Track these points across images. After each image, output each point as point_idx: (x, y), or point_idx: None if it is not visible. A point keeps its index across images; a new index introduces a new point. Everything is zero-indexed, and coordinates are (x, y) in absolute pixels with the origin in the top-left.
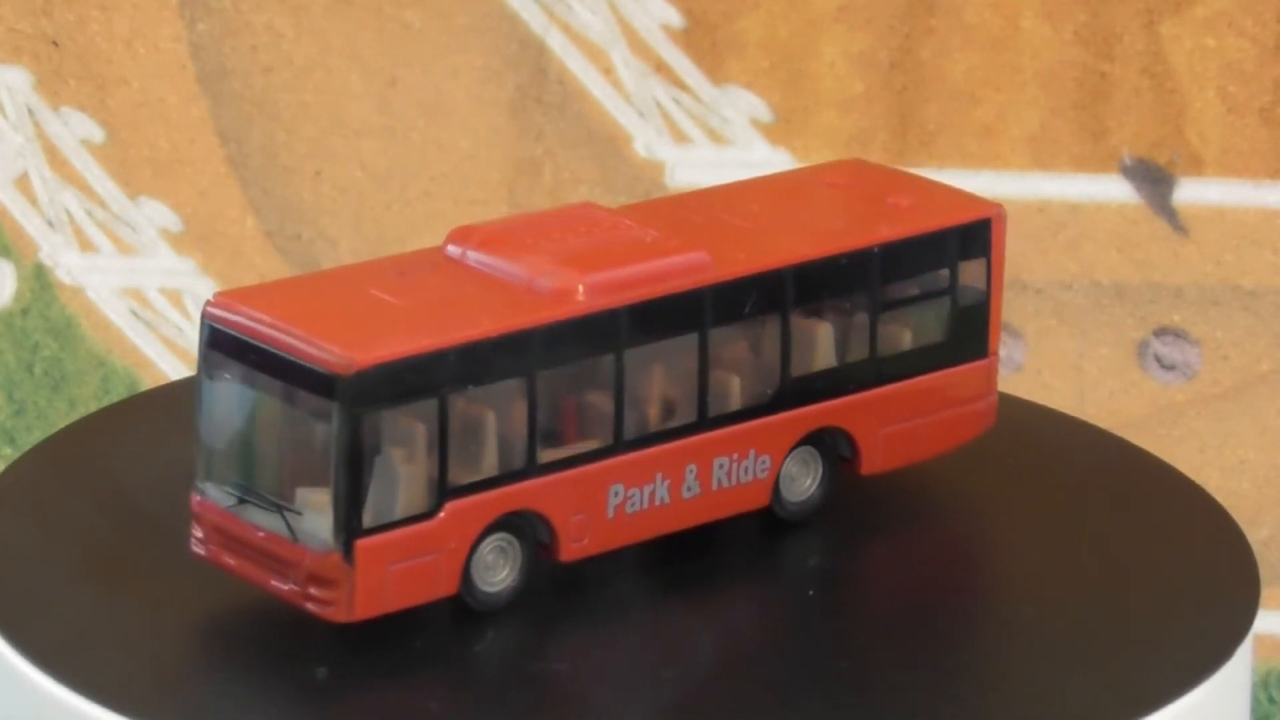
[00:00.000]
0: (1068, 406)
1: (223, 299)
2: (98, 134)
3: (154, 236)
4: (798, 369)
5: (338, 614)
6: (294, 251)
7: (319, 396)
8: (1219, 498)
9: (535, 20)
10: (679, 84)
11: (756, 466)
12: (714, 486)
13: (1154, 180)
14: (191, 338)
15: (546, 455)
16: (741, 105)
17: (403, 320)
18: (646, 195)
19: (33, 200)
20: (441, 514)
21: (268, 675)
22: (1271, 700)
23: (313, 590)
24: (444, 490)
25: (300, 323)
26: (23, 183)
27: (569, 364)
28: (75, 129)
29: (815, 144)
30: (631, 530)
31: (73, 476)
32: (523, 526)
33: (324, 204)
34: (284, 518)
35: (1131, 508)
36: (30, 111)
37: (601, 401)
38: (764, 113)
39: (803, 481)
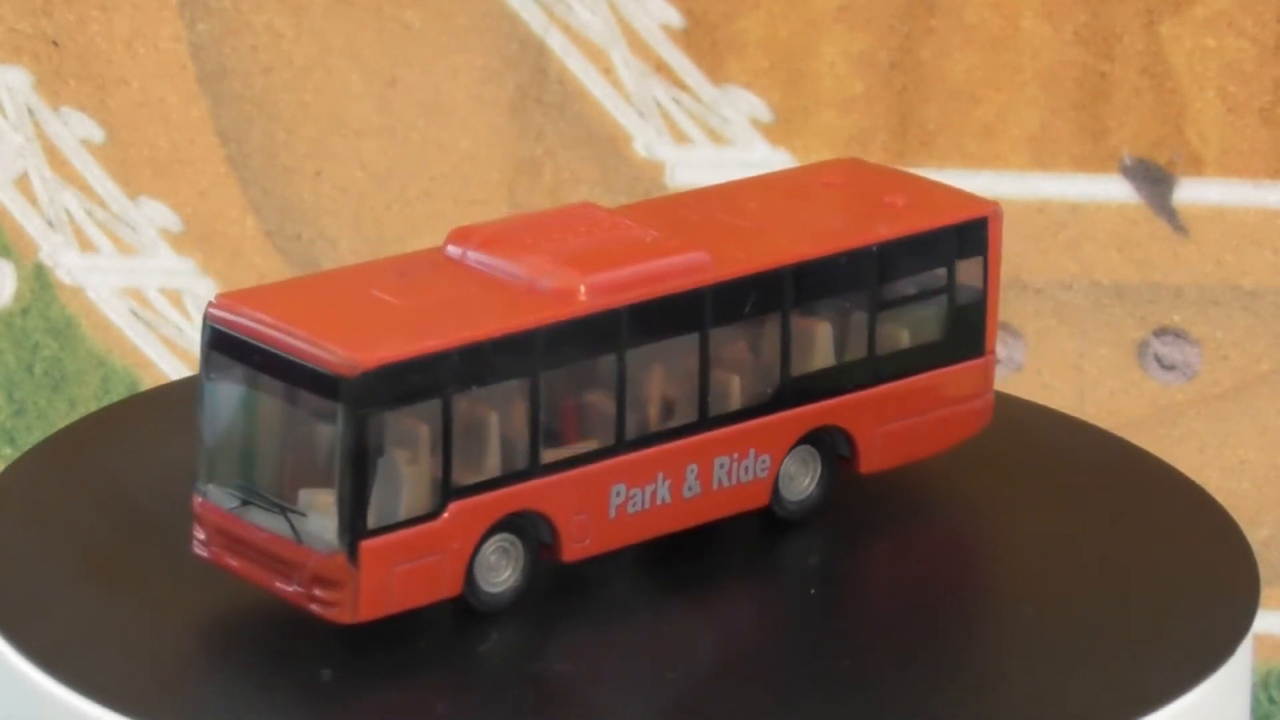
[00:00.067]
0: (1068, 406)
1: (225, 300)
2: (98, 134)
3: (154, 236)
4: (797, 368)
5: (342, 615)
6: (294, 251)
7: (323, 398)
8: (1219, 498)
9: (535, 20)
10: (679, 84)
11: (756, 466)
12: (714, 486)
13: (1154, 180)
14: (191, 338)
15: (549, 455)
16: (741, 105)
17: (405, 321)
18: (646, 195)
19: (33, 200)
20: (445, 514)
21: (268, 675)
22: (1271, 700)
23: (317, 591)
24: (447, 491)
25: (303, 324)
26: (23, 183)
27: (571, 364)
28: (75, 129)
29: (815, 144)
30: (633, 530)
31: (73, 476)
32: (525, 527)
33: (324, 204)
34: (288, 519)
35: (1131, 508)
36: (30, 111)
37: (603, 401)
38: (764, 113)
39: (802, 480)
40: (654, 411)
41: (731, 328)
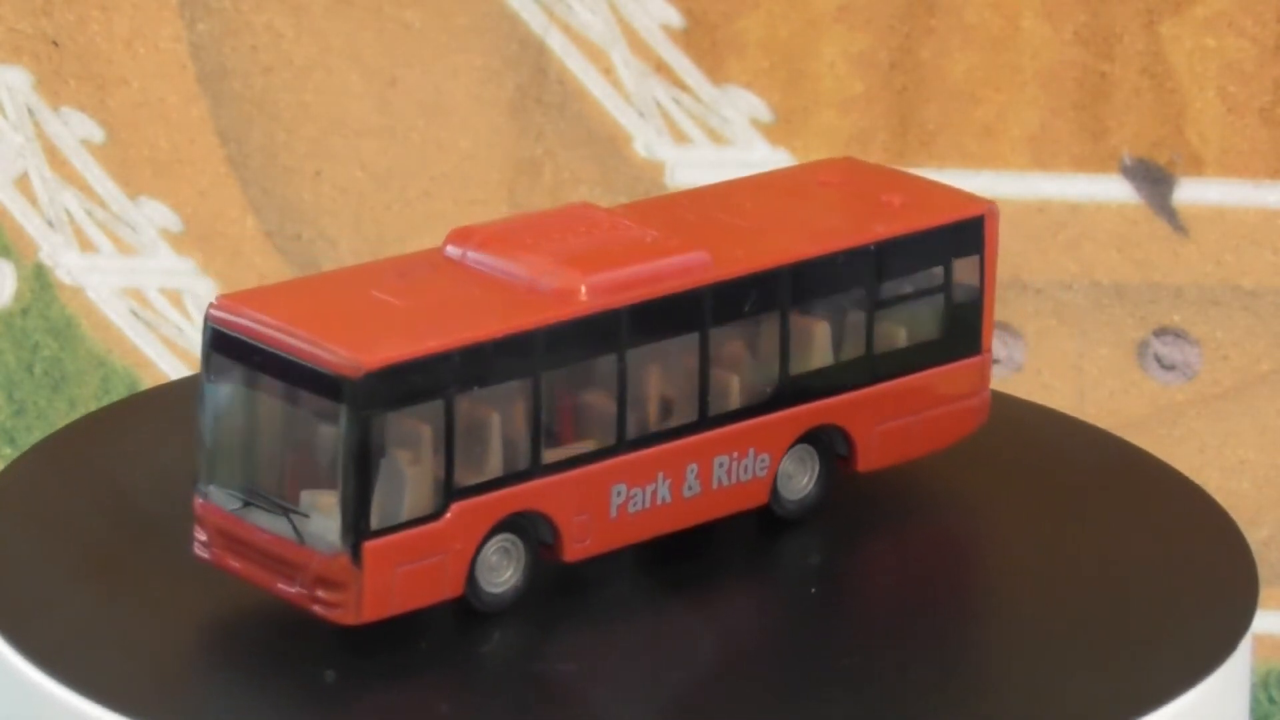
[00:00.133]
0: (1068, 406)
1: (226, 301)
2: (98, 134)
3: (154, 236)
4: (796, 367)
5: (345, 616)
6: (294, 251)
7: (326, 399)
8: (1219, 498)
9: (535, 20)
10: (679, 84)
11: (756, 465)
12: (714, 485)
13: (1154, 180)
14: (191, 338)
15: (550, 455)
16: (741, 105)
17: (407, 322)
18: (646, 195)
19: (33, 200)
20: (448, 515)
21: (268, 675)
22: (1271, 700)
23: (320, 593)
24: (450, 491)
25: (305, 325)
26: (23, 183)
27: (572, 364)
28: (75, 129)
29: (815, 144)
30: (633, 530)
31: (72, 476)
32: (526, 527)
33: (324, 204)
34: (290, 520)
35: (1131, 508)
36: (30, 111)
37: (604, 401)
38: (764, 113)
39: (800, 480)
40: (654, 411)
41: (731, 327)
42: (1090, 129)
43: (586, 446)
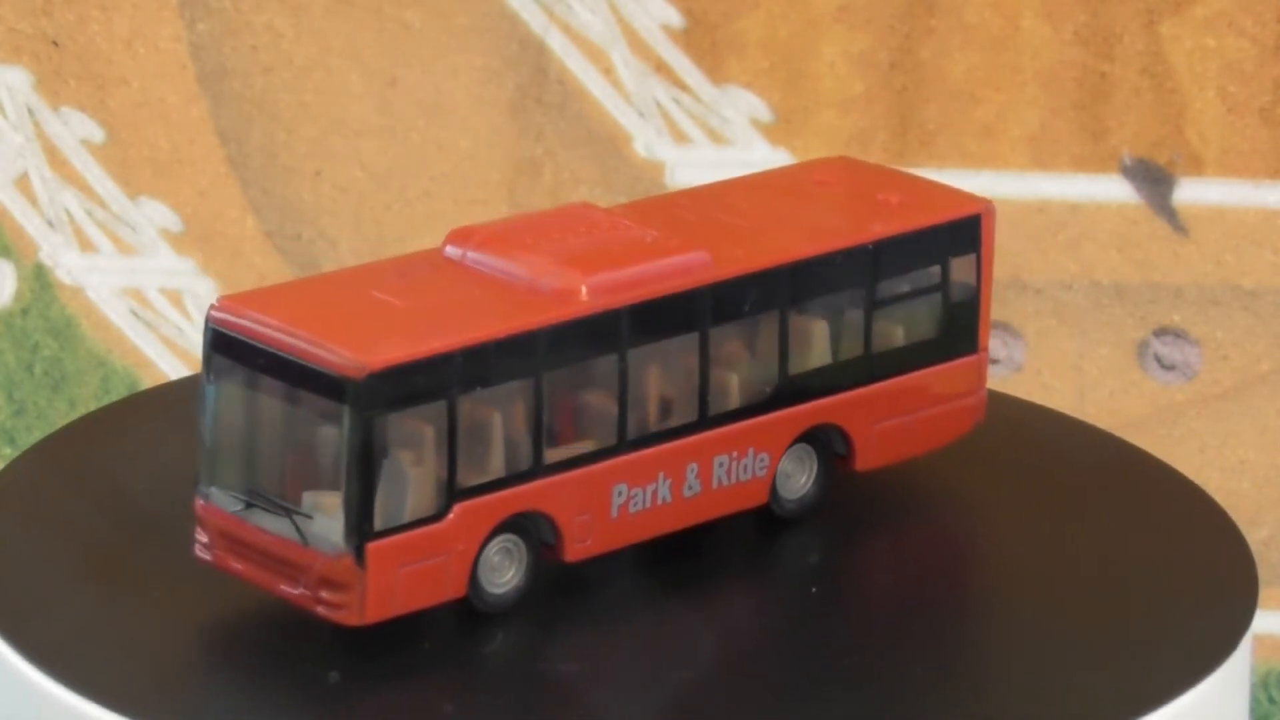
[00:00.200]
0: (1068, 406)
1: (227, 303)
2: (98, 134)
3: (154, 236)
4: (795, 367)
5: (349, 617)
6: (294, 251)
7: (329, 400)
8: (1219, 498)
9: (535, 20)
10: (679, 84)
11: (755, 464)
12: (714, 485)
13: (1154, 180)
14: (191, 338)
15: (552, 456)
16: (741, 105)
17: (409, 323)
18: (646, 195)
19: (33, 200)
20: (450, 516)
21: (269, 676)
22: (1271, 700)
23: (323, 594)
24: (453, 492)
25: (307, 326)
26: (23, 183)
27: (573, 364)
28: (75, 129)
29: (815, 144)
30: (634, 530)
31: (72, 476)
32: (528, 527)
33: (324, 204)
34: (293, 521)
35: (1131, 508)
36: (30, 111)
37: (605, 401)
38: (764, 113)
39: (798, 479)
40: (655, 411)
41: (731, 327)
42: (1090, 129)
43: (588, 446)
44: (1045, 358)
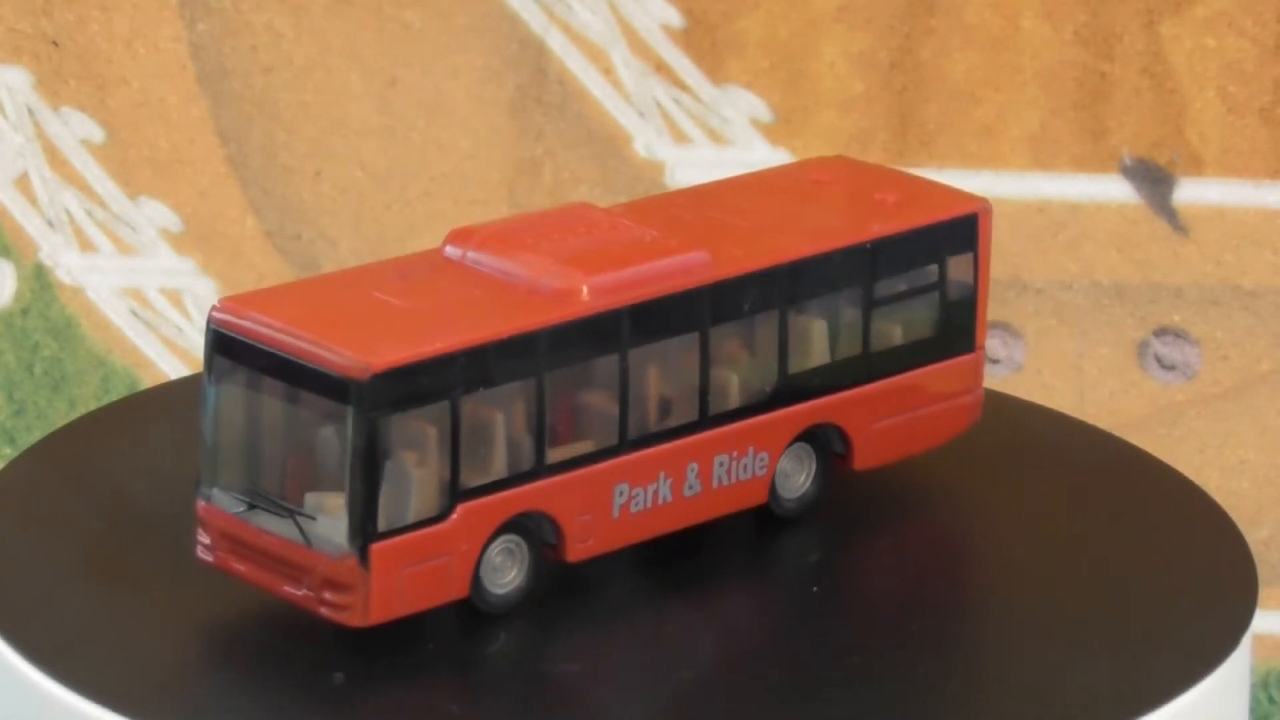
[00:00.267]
0: (1068, 406)
1: (228, 304)
2: (98, 134)
3: (154, 236)
4: (794, 366)
5: (353, 618)
6: (294, 251)
7: (333, 401)
8: (1219, 498)
9: (535, 20)
10: (679, 84)
11: (755, 464)
12: (714, 484)
13: (1154, 180)
14: (191, 338)
15: (554, 456)
16: (741, 105)
17: (411, 323)
18: (646, 195)
19: (33, 200)
20: (454, 516)
21: (269, 676)
22: (1271, 700)
23: (327, 595)
24: (456, 493)
25: (310, 327)
26: (23, 183)
27: (575, 364)
28: (75, 129)
29: (815, 144)
30: (635, 529)
31: (72, 476)
32: (530, 527)
33: (324, 204)
34: (296, 523)
35: (1131, 508)
36: (30, 111)
37: (607, 401)
38: (764, 113)
39: (797, 478)
40: (655, 410)
41: (731, 326)
42: (1090, 129)
43: (589, 446)
44: (1045, 358)
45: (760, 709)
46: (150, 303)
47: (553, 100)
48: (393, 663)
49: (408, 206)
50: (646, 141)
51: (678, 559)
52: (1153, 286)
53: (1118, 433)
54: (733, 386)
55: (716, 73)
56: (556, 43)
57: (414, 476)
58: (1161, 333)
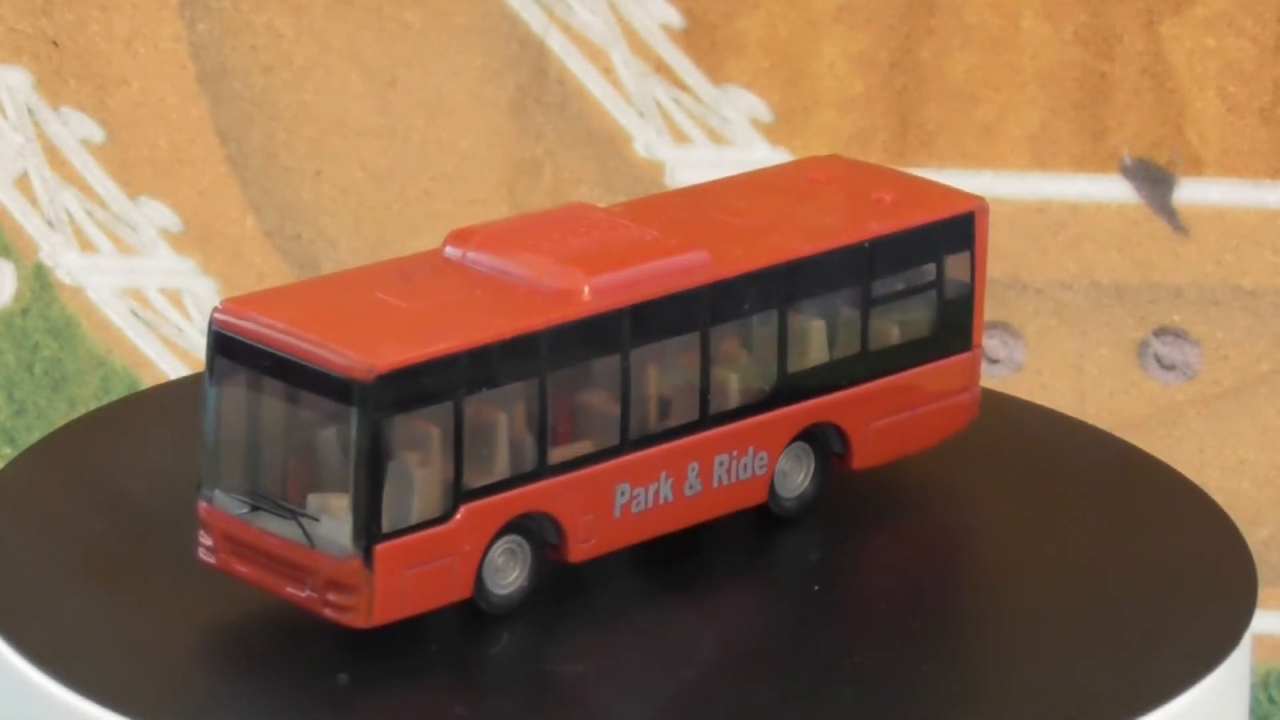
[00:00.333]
0: (1068, 406)
1: (230, 305)
2: (98, 134)
3: (154, 236)
4: (794, 365)
5: (356, 619)
6: (294, 251)
7: (336, 402)
8: (1219, 498)
9: (535, 20)
10: (679, 84)
11: (755, 463)
12: (715, 484)
13: (1154, 180)
14: (191, 338)
15: (556, 456)
16: (741, 105)
17: (414, 324)
18: (646, 195)
19: (33, 200)
20: (457, 517)
21: (270, 677)
22: (1271, 700)
23: (331, 596)
24: (459, 493)
25: (313, 328)
26: (23, 183)
27: (577, 364)
28: (75, 129)
29: (815, 144)
30: (636, 529)
31: (72, 476)
32: (532, 528)
33: (324, 204)
34: (300, 524)
35: (1131, 508)
36: (30, 111)
37: (608, 401)
38: (764, 113)
39: (795, 477)
40: (656, 410)
41: (730, 326)
42: (1090, 129)
43: (591, 446)
44: (1045, 358)
45: (760, 709)
46: (150, 303)
47: (553, 100)
48: (395, 663)
49: (408, 206)
50: (646, 141)
51: (678, 559)
52: (1153, 286)
53: (1118, 433)
54: (733, 386)
55: (716, 73)
56: (556, 43)
57: (417, 477)
58: (1161, 333)
